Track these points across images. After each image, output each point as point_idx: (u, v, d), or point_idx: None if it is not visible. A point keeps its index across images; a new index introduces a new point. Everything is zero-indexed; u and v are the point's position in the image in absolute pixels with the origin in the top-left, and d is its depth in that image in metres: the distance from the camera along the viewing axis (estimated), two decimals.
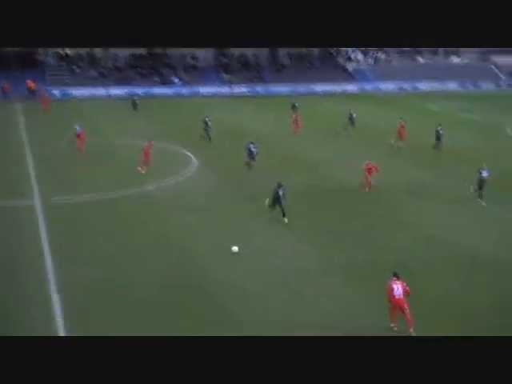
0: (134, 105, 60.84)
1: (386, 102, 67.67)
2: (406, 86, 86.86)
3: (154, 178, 33.84)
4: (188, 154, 40.64)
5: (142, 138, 38.19)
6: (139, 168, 34.74)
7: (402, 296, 17.20)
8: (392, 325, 17.44)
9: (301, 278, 21.23)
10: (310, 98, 74.03)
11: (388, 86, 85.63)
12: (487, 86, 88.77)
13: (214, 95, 76.77)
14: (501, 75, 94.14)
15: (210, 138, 44.28)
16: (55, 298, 18.96)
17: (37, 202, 29.47)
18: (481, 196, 29.53)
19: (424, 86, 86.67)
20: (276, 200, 26.85)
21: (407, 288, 17.37)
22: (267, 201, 27.34)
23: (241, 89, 79.59)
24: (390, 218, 27.74)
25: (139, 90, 74.38)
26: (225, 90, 79.25)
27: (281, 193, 26.81)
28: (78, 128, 40.43)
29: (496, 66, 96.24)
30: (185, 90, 78.04)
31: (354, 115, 50.72)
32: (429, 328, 16.94)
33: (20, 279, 20.60)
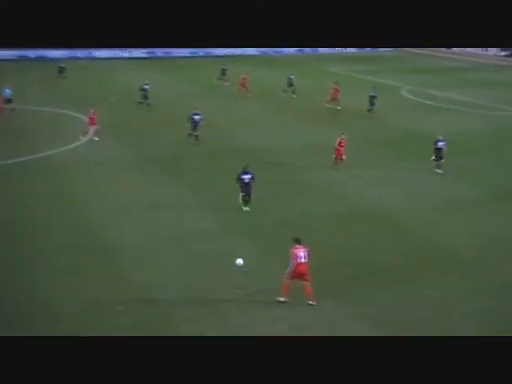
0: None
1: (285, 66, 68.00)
2: (307, 48, 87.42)
3: (50, 144, 32.94)
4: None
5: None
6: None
7: (306, 262, 16.86)
8: (282, 299, 16.94)
9: (202, 238, 21.44)
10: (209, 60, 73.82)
11: (290, 50, 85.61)
12: (385, 49, 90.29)
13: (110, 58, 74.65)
14: None
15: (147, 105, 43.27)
16: None
17: None
18: (438, 166, 30.23)
19: (324, 48, 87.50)
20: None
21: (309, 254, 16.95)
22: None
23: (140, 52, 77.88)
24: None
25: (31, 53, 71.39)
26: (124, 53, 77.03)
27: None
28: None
29: None
30: (79, 53, 75.66)
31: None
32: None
33: None
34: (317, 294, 16.92)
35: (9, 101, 39.77)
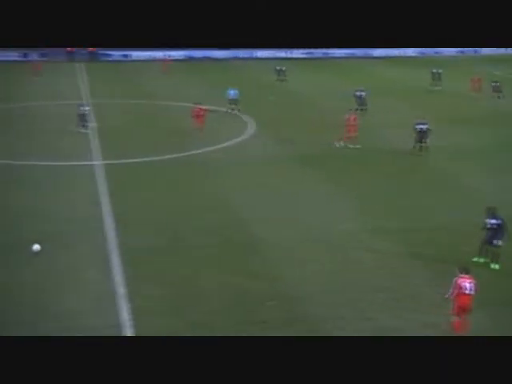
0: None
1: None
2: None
3: (208, 141, 34.38)
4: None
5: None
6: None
7: (471, 295, 15.51)
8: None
9: (345, 238, 21.64)
10: (367, 61, 73.44)
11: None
12: None
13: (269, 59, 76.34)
14: None
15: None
16: (115, 261, 19.54)
17: (96, 162, 30.49)
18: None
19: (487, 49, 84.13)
20: None
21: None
22: None
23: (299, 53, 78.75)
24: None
25: (197, 53, 74.18)
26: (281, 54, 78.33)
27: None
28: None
29: None
30: (241, 53, 77.90)
31: None
32: None
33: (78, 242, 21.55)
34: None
35: (234, 102, 41.33)
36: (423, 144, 32.19)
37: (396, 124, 38.59)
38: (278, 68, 57.59)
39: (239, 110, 41.51)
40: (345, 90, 47.10)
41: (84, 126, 36.26)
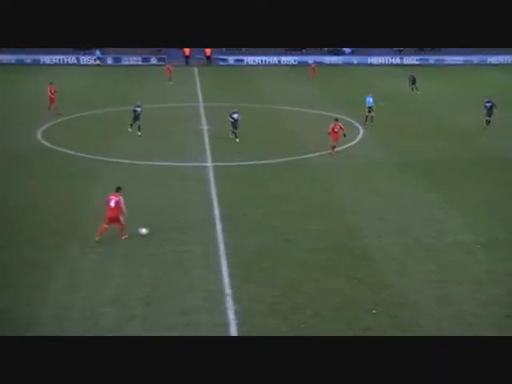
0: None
1: None
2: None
3: (318, 145, 34.55)
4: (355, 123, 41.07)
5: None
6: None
7: None
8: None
9: (457, 250, 21.21)
10: (483, 68, 71.69)
11: None
12: None
13: (382, 65, 76.47)
14: None
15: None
16: (223, 262, 19.99)
17: (209, 164, 31.30)
18: None
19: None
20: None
21: None
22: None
23: (411, 59, 78.10)
24: None
25: (309, 59, 75.04)
26: (395, 59, 78.23)
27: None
28: None
29: None
30: (354, 59, 78.01)
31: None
32: None
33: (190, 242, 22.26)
34: None
35: (370, 109, 41.35)
36: None
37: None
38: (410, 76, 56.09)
39: (372, 118, 41.29)
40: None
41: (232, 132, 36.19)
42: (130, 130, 37.27)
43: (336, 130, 32.88)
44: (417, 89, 54.57)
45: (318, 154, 33.12)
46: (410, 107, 47.82)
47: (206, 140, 36.29)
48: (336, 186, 27.84)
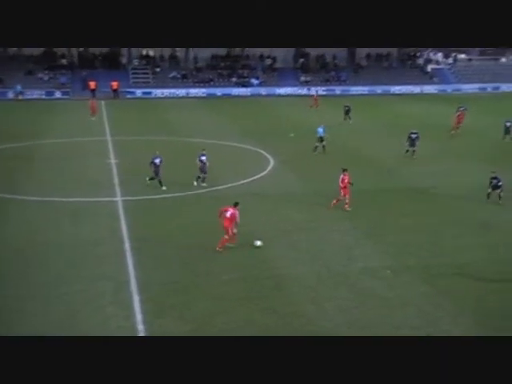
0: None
1: (466, 103, 66.49)
2: (488, 86, 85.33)
3: (230, 177, 34.57)
4: (264, 153, 41.38)
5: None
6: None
7: None
8: None
9: (367, 276, 21.48)
10: (387, 98, 74.02)
11: (469, 87, 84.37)
12: None
13: (290, 95, 77.98)
14: None
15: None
16: (135, 298, 19.52)
17: (118, 198, 30.71)
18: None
19: (506, 87, 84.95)
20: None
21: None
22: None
23: (318, 89, 79.88)
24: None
25: (218, 91, 75.64)
26: (302, 90, 79.89)
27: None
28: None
29: None
30: (262, 90, 79.11)
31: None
32: None
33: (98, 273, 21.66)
34: None
35: (321, 139, 41.55)
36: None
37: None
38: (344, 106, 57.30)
39: (323, 147, 41.61)
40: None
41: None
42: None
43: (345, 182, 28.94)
44: (350, 118, 55.91)
45: (229, 185, 33.08)
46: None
47: (115, 174, 35.70)
48: (248, 216, 27.77)
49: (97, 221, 27.26)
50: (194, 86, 78.52)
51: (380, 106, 68.58)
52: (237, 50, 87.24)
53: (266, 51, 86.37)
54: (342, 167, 29.56)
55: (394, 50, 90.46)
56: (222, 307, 18.96)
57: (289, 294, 20.04)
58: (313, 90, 73.84)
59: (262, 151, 41.93)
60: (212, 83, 79.91)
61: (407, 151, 40.64)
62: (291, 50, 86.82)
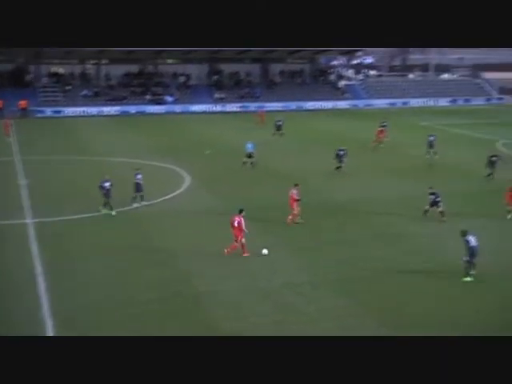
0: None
1: (377, 118, 68.04)
2: (397, 102, 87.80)
3: (149, 196, 33.81)
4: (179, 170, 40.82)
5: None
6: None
7: None
8: None
9: (288, 291, 21.26)
10: (302, 114, 74.86)
11: (379, 102, 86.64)
12: (478, 102, 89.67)
13: (205, 112, 77.73)
14: (492, 90, 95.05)
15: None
16: (49, 322, 18.64)
17: (28, 220, 29.48)
18: None
19: (415, 102, 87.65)
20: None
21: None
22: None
23: (232, 106, 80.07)
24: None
25: (131, 108, 74.63)
26: (217, 107, 79.86)
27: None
28: None
29: (487, 81, 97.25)
30: (177, 108, 78.59)
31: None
32: None
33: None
34: None
35: (250, 155, 42.02)
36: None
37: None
38: (276, 121, 57.84)
39: (252, 163, 42.02)
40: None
41: None
42: None
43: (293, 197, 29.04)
44: (281, 133, 56.47)
45: (143, 203, 32.26)
46: (237, 153, 48.12)
47: (25, 195, 34.29)
48: (168, 234, 27.23)
49: (6, 245, 26.02)
50: (106, 104, 77.13)
51: (296, 121, 68.98)
52: (150, 68, 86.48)
53: (179, 68, 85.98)
54: (294, 182, 29.94)
55: (306, 67, 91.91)
56: (141, 327, 18.26)
57: (210, 310, 19.57)
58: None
59: (178, 168, 41.33)
60: (125, 101, 78.78)
61: (337, 168, 40.60)
62: (205, 67, 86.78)
